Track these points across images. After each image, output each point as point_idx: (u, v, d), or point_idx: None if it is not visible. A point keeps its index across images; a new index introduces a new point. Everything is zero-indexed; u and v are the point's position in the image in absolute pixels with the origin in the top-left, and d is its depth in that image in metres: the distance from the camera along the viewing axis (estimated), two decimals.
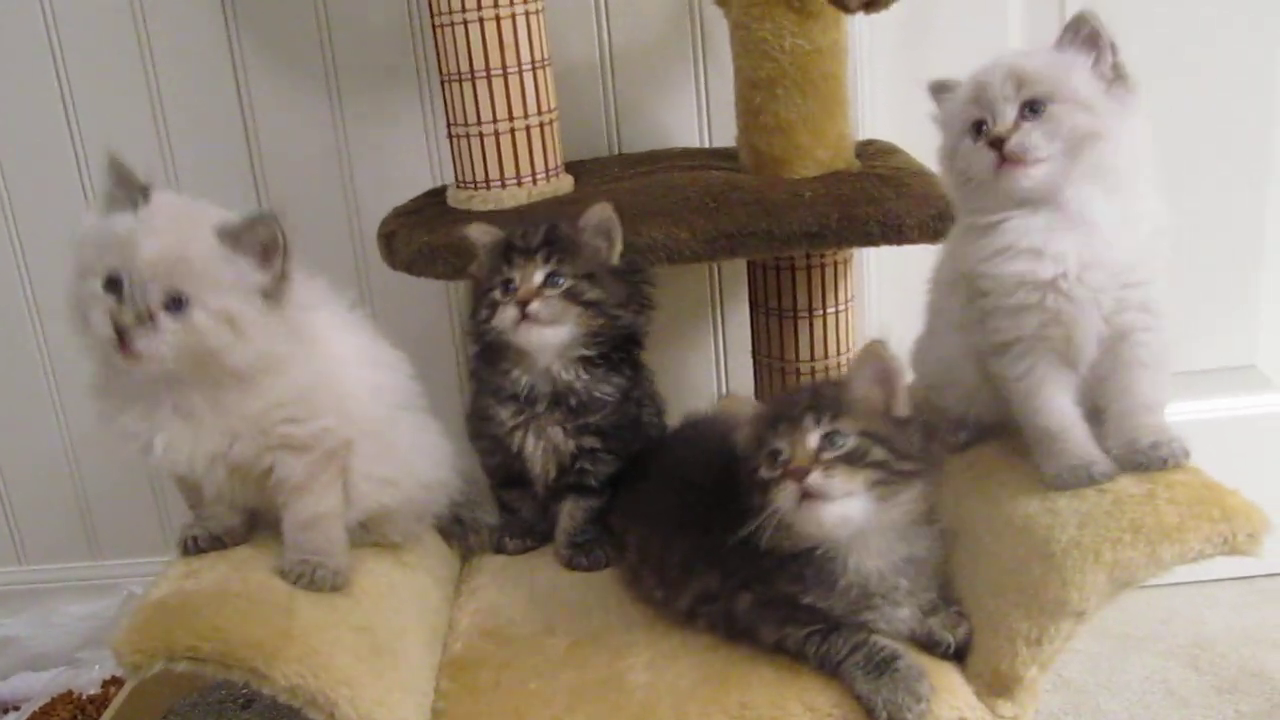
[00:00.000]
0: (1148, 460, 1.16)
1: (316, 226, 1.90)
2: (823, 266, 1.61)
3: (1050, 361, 1.20)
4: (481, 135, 1.56)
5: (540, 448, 1.44)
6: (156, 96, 1.86)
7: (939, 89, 1.26)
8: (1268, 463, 1.91)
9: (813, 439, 1.10)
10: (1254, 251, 1.89)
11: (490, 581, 1.44)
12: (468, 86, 1.54)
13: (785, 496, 1.08)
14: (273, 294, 1.16)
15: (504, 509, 1.54)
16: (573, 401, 1.41)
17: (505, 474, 1.50)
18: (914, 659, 1.12)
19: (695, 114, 1.84)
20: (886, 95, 1.82)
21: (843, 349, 1.66)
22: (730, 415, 1.18)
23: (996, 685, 1.13)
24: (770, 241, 1.42)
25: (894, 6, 1.43)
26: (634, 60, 1.82)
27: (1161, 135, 1.75)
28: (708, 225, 1.43)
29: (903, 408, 1.15)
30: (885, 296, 1.92)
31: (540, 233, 1.38)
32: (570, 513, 1.46)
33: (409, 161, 1.87)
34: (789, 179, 1.52)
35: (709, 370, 1.97)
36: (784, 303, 1.64)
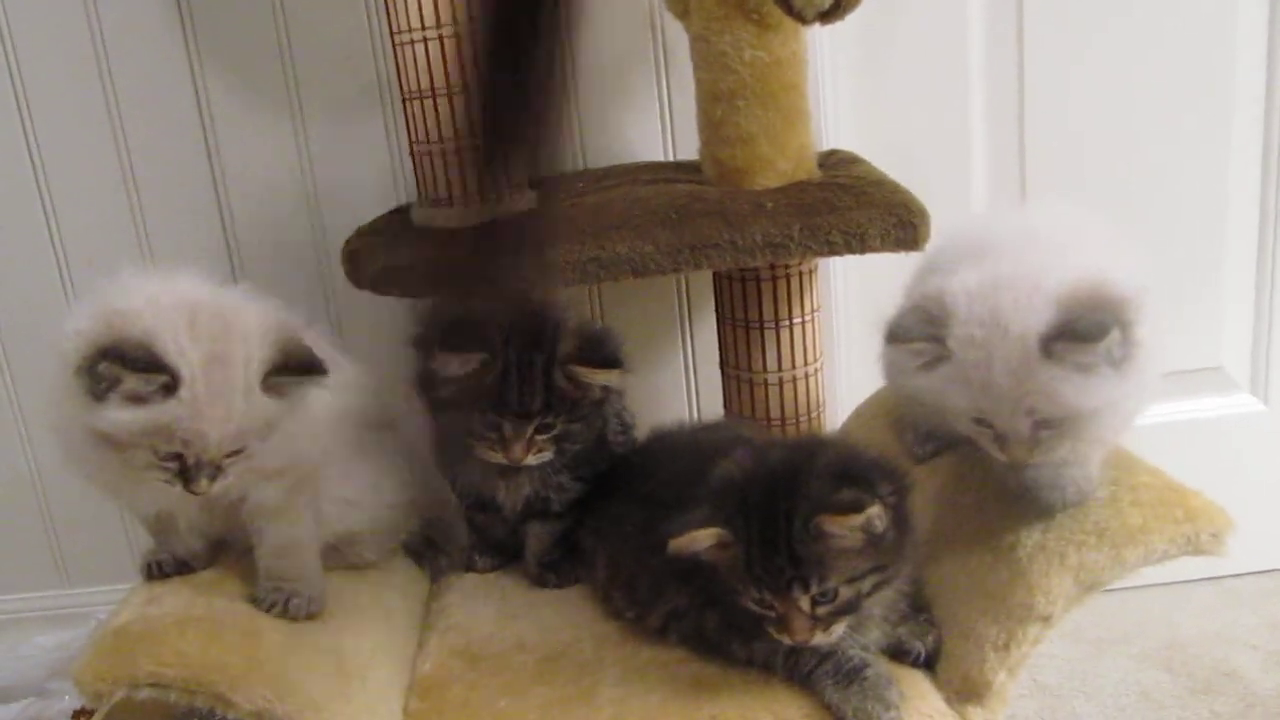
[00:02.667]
0: (1040, 502, 1.15)
1: (281, 246, 1.89)
2: (788, 277, 1.61)
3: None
4: (444, 152, 1.55)
5: (511, 494, 1.45)
6: (117, 119, 1.84)
7: (898, 351, 1.12)
8: (1234, 464, 1.93)
9: (805, 604, 1.08)
10: (1217, 253, 1.90)
11: (460, 600, 1.44)
12: (429, 104, 1.53)
13: (789, 643, 1.10)
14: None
15: (473, 528, 1.53)
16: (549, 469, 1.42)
17: (474, 497, 1.49)
18: (883, 667, 1.12)
19: (659, 127, 1.84)
20: (849, 105, 1.83)
21: (810, 359, 1.66)
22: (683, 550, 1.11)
23: (966, 691, 1.14)
24: (733, 252, 1.42)
25: (855, 17, 1.43)
26: (597, 74, 1.82)
27: (1123, 138, 1.80)
28: (671, 237, 1.43)
29: (880, 526, 1.08)
30: (852, 306, 1.92)
31: (537, 394, 1.34)
32: (538, 535, 1.46)
33: (373, 180, 1.86)
34: (751, 190, 1.52)
35: (678, 383, 1.96)
36: (750, 314, 1.64)
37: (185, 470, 1.09)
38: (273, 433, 1.13)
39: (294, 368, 1.13)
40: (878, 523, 1.07)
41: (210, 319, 1.09)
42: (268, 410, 1.12)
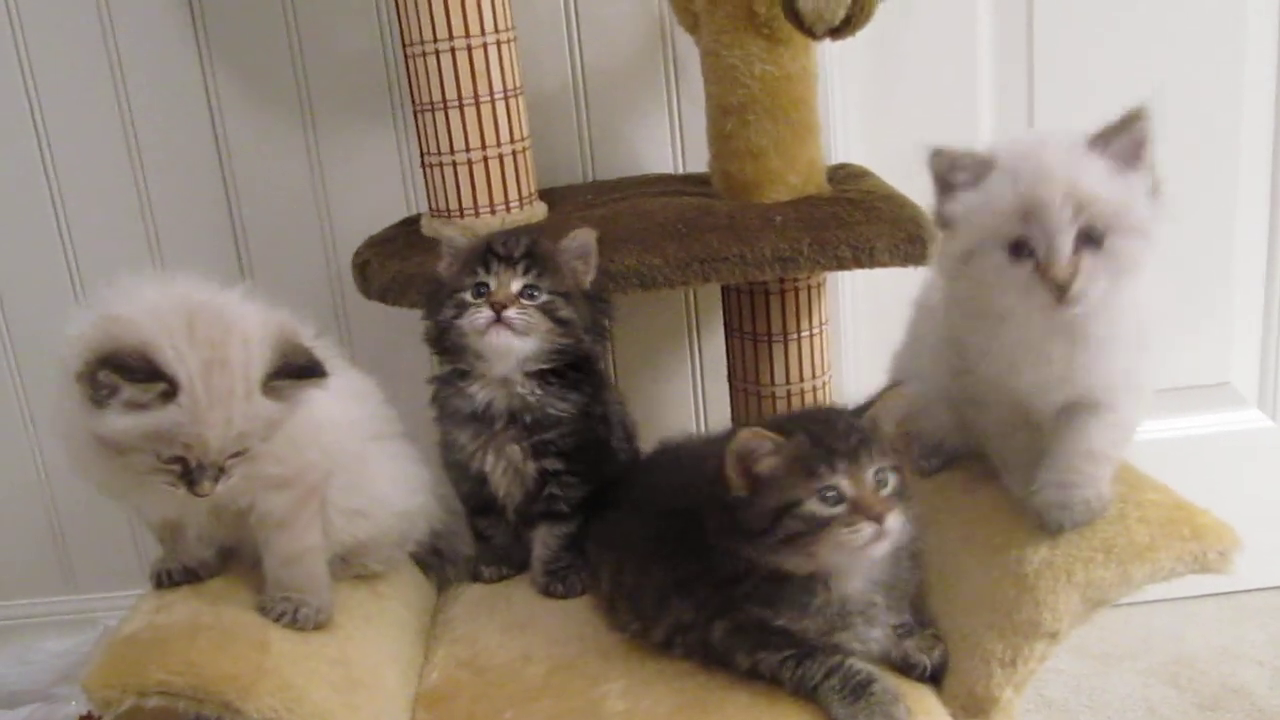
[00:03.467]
0: (1048, 520, 1.15)
1: (292, 256, 1.90)
2: (796, 291, 1.61)
3: (1019, 415, 1.20)
4: (455, 164, 1.56)
5: (500, 468, 1.44)
6: (131, 130, 1.86)
7: (943, 162, 1.10)
8: (1241, 480, 1.92)
9: (870, 478, 1.10)
10: (1226, 269, 1.90)
11: (466, 611, 1.44)
12: (440, 116, 1.54)
13: (862, 537, 1.08)
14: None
15: (478, 537, 1.53)
16: (528, 418, 1.41)
17: (476, 500, 1.50)
18: (890, 682, 1.12)
19: (668, 140, 1.85)
20: (859, 120, 1.84)
21: (818, 372, 1.66)
22: (746, 447, 1.13)
23: (972, 707, 1.14)
24: (742, 266, 1.43)
25: (864, 32, 1.43)
26: (607, 87, 1.83)
27: None
28: (680, 251, 1.44)
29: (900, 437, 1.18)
30: (860, 320, 1.92)
31: (522, 244, 1.38)
32: (544, 540, 1.46)
33: (383, 190, 1.87)
34: (760, 204, 1.53)
35: (686, 396, 1.97)
36: (759, 327, 1.64)
37: (188, 473, 1.09)
38: (275, 434, 1.13)
39: (294, 370, 1.12)
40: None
41: (209, 323, 1.08)
42: (269, 412, 1.10)
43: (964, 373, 1.21)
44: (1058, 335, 1.10)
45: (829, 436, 1.11)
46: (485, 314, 1.35)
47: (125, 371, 1.04)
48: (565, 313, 1.38)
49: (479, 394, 1.41)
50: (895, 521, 1.09)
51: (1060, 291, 1.02)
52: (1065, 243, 1.02)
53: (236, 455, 1.11)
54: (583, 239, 1.40)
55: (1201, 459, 1.90)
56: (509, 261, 1.37)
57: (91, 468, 1.13)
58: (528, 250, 1.37)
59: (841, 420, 1.14)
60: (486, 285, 1.37)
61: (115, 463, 1.09)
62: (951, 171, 1.09)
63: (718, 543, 1.15)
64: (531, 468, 1.43)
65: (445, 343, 1.41)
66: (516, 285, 1.36)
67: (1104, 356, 1.11)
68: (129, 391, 1.04)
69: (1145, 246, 1.04)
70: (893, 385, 1.16)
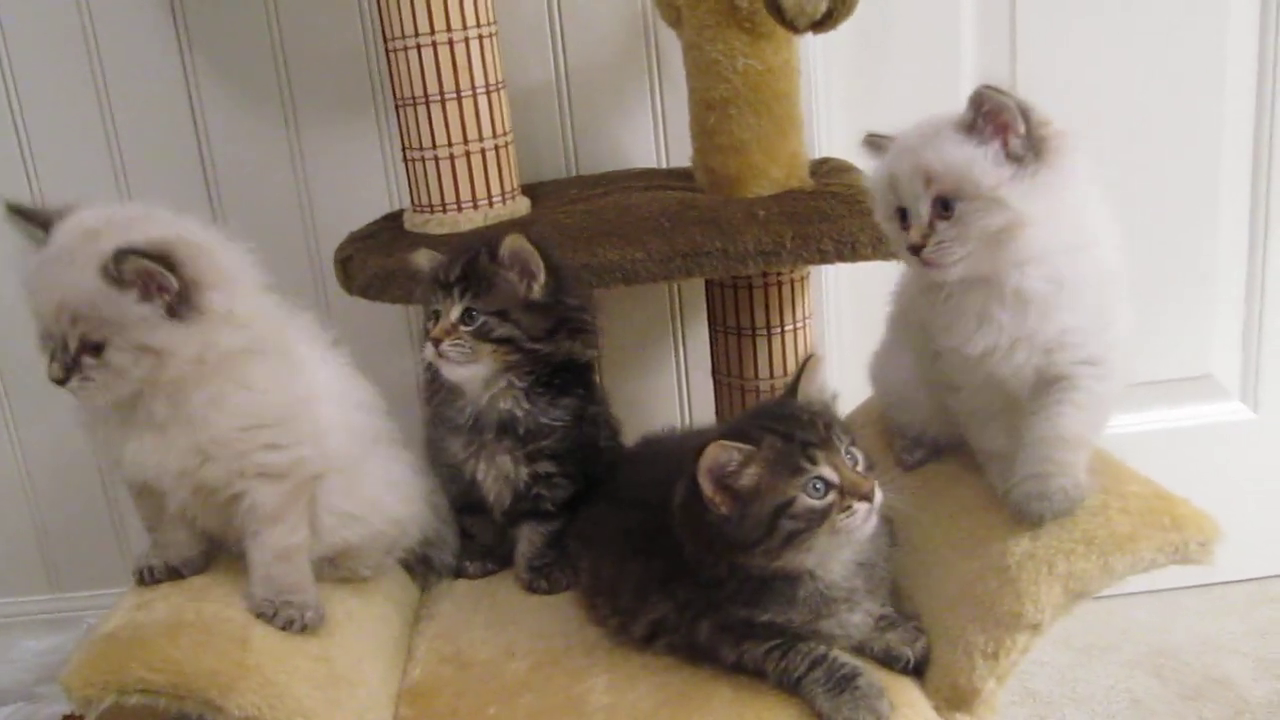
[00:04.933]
0: (1027, 512, 1.16)
1: (275, 252, 1.86)
2: (780, 284, 1.61)
3: (998, 397, 1.21)
4: (437, 159, 1.56)
5: (492, 475, 1.43)
6: (111, 126, 1.85)
7: (873, 145, 1.23)
8: (1223, 472, 1.93)
9: (846, 459, 1.12)
10: (1208, 261, 1.91)
11: (450, 606, 1.44)
12: (422, 110, 1.54)
13: (860, 517, 1.10)
14: (182, 307, 1.12)
15: (464, 534, 1.53)
16: (520, 430, 1.40)
17: (464, 500, 1.49)
18: (874, 676, 1.12)
19: (652, 135, 1.84)
20: (841, 114, 1.84)
21: None
22: (716, 463, 1.12)
23: (955, 699, 1.14)
24: (725, 260, 1.43)
25: (847, 26, 1.43)
26: (590, 82, 1.82)
27: (1113, 146, 1.80)
28: (663, 245, 1.44)
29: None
30: (843, 313, 1.93)
31: (458, 266, 1.36)
32: (529, 538, 1.46)
33: (366, 186, 1.87)
34: (744, 198, 1.53)
35: (670, 390, 1.97)
36: (742, 321, 1.64)
37: (52, 358, 1.11)
38: (129, 336, 1.10)
39: (140, 251, 1.08)
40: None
41: (108, 217, 1.14)
42: (93, 295, 1.09)
43: (935, 355, 1.22)
44: (994, 299, 1.14)
45: (799, 430, 1.11)
46: (429, 348, 1.35)
47: (18, 211, 1.15)
48: (502, 331, 1.35)
49: (467, 408, 1.41)
50: (879, 494, 1.11)
51: (914, 252, 1.13)
52: (921, 209, 1.13)
53: (91, 349, 1.10)
54: (511, 248, 1.35)
55: (1183, 451, 1.90)
56: (446, 288, 1.36)
57: None
58: (463, 273, 1.35)
59: (801, 411, 1.14)
60: (438, 311, 1.37)
61: None
62: (873, 150, 1.22)
63: (699, 557, 1.15)
64: (524, 473, 1.43)
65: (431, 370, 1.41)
66: (456, 312, 1.35)
67: (1050, 318, 1.13)
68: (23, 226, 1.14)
69: (996, 212, 1.09)
70: (808, 358, 1.19)
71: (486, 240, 1.38)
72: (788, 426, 1.12)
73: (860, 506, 1.09)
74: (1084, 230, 1.14)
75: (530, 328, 1.36)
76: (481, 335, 1.34)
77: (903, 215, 1.15)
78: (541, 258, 1.36)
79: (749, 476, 1.11)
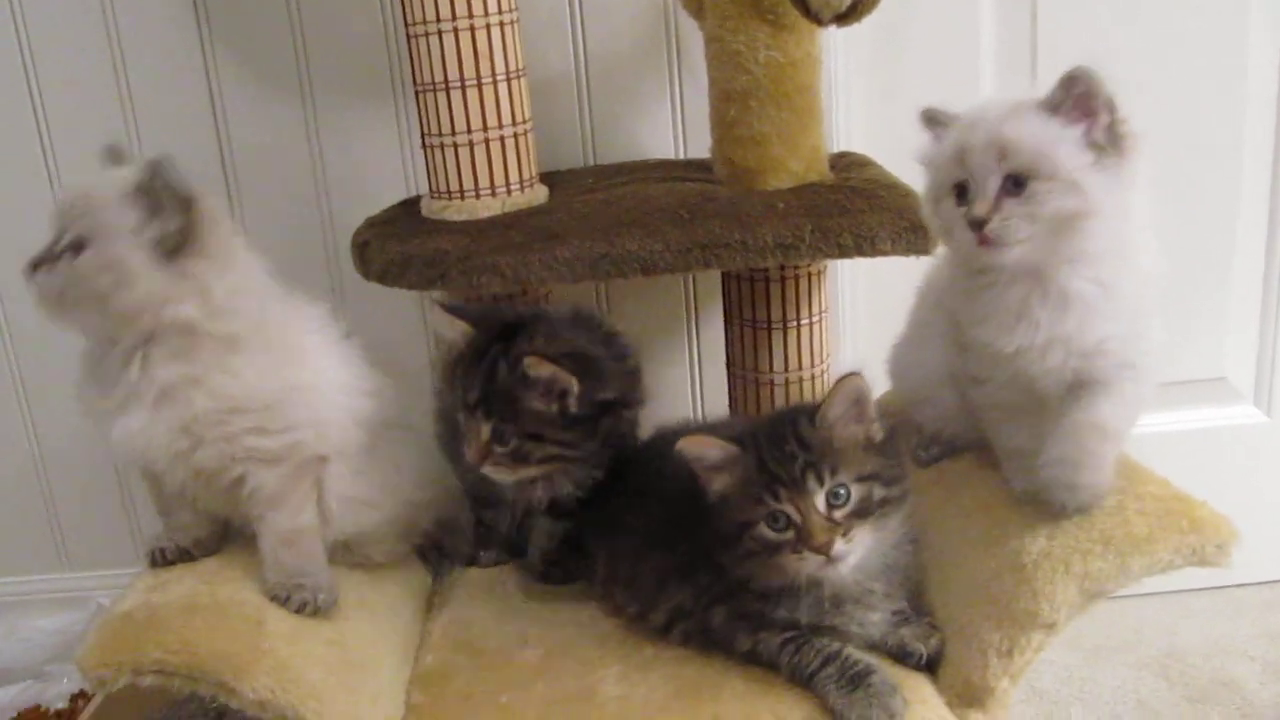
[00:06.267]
0: (1051, 499, 1.15)
1: (291, 237, 1.89)
2: (797, 278, 1.61)
3: (1025, 394, 1.20)
4: (456, 145, 1.55)
5: (525, 497, 1.41)
6: (130, 109, 1.84)
7: (931, 119, 1.19)
8: (1236, 475, 1.93)
9: (820, 501, 1.09)
10: (1224, 264, 1.90)
11: (463, 594, 1.44)
12: (442, 97, 1.53)
13: (810, 566, 1.09)
14: (168, 250, 1.14)
15: (479, 523, 1.53)
16: (564, 495, 1.38)
17: (484, 496, 1.48)
18: (887, 673, 1.12)
19: (670, 125, 1.84)
20: (861, 108, 1.83)
21: (817, 360, 1.66)
22: (691, 454, 1.14)
23: (968, 696, 1.14)
24: (743, 253, 1.42)
25: (868, 20, 1.43)
26: (609, 72, 1.82)
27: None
28: (681, 236, 1.43)
29: (877, 433, 1.14)
30: (859, 308, 1.92)
31: (477, 384, 1.27)
32: (546, 531, 1.46)
33: (384, 172, 1.86)
34: (763, 190, 1.52)
35: (684, 382, 1.96)
36: (758, 314, 1.64)
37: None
38: (101, 254, 1.13)
39: (174, 176, 1.15)
40: (869, 395, 1.11)
41: None
42: (111, 210, 1.14)
43: (965, 347, 1.21)
44: (1035, 296, 1.12)
45: (773, 459, 1.10)
46: (471, 455, 1.29)
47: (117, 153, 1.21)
48: (541, 453, 1.28)
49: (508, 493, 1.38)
50: (848, 546, 1.08)
51: (977, 227, 1.08)
52: (989, 185, 1.08)
53: (73, 249, 1.13)
54: (538, 375, 1.25)
55: (1196, 454, 1.90)
56: (470, 409, 1.28)
57: None
58: (483, 394, 1.27)
59: (791, 438, 1.11)
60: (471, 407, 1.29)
61: None
62: (932, 125, 1.18)
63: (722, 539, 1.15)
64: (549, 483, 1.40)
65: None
66: (486, 430, 1.28)
67: (1091, 322, 1.11)
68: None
69: (1072, 196, 1.07)
70: (844, 376, 1.11)
71: (505, 332, 1.28)
72: (770, 453, 1.11)
73: (810, 557, 1.08)
74: (1132, 236, 1.13)
75: (571, 442, 1.30)
76: (520, 459, 1.28)
77: (960, 193, 1.12)
78: (572, 366, 1.26)
79: (721, 482, 1.12)
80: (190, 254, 1.15)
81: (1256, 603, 1.97)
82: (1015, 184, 1.07)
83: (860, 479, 1.10)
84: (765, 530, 1.09)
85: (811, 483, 1.09)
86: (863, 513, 1.09)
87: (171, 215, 1.14)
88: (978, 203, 1.08)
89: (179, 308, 1.14)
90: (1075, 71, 1.07)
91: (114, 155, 1.22)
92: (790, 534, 1.09)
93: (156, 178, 1.13)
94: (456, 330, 1.33)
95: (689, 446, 1.12)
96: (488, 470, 1.28)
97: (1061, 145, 1.07)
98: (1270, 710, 1.70)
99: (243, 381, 1.18)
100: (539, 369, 1.25)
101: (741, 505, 1.11)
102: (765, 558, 1.10)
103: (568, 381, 1.26)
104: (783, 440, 1.11)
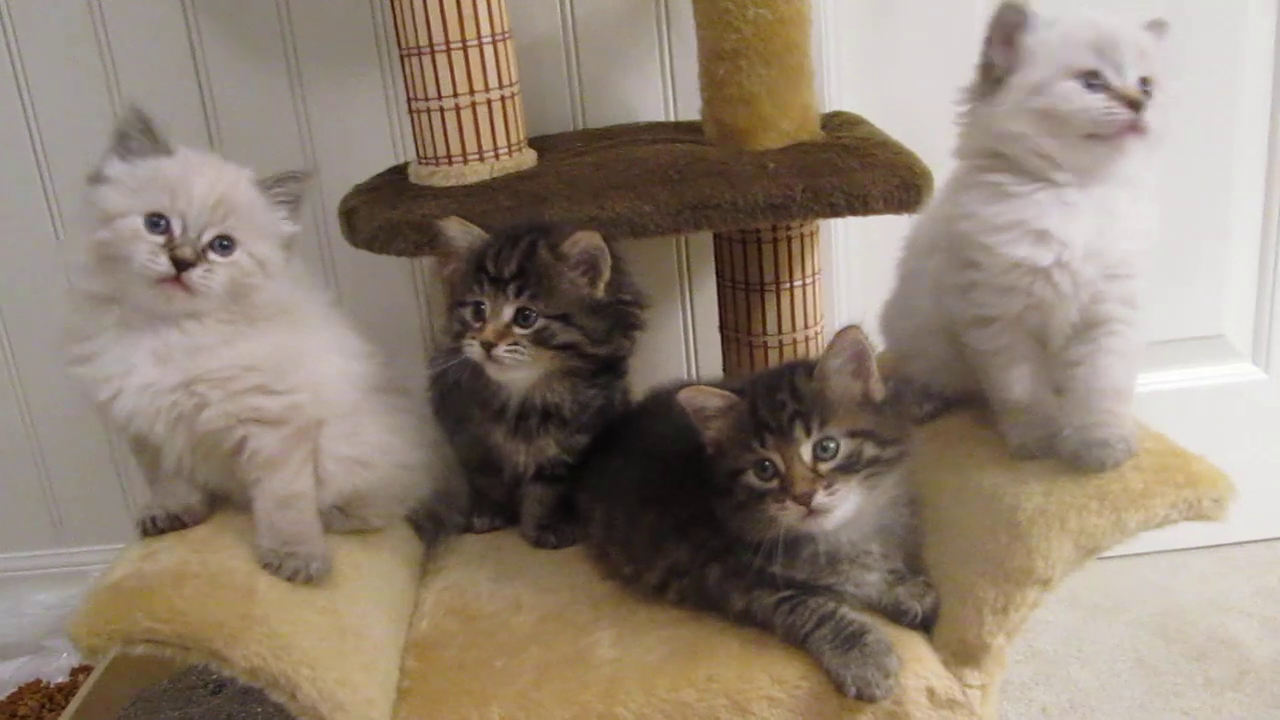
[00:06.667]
0: (1088, 459, 1.14)
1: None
2: (789, 239, 1.59)
3: (1025, 339, 1.20)
4: (442, 110, 1.53)
5: (529, 454, 1.41)
6: (112, 75, 1.82)
7: (1014, 10, 1.17)
8: (1234, 432, 1.92)
9: (806, 452, 1.08)
10: (1221, 222, 1.89)
11: (456, 560, 1.44)
12: (427, 60, 1.51)
13: (790, 516, 1.08)
14: (290, 245, 1.26)
15: (473, 490, 1.52)
16: (566, 414, 1.38)
17: (481, 463, 1.47)
18: (882, 633, 1.12)
19: (660, 87, 1.82)
20: (852, 67, 1.81)
21: (810, 322, 1.65)
22: (692, 404, 1.14)
23: (964, 654, 1.14)
24: (734, 213, 1.41)
25: None
26: (597, 33, 1.80)
27: None
28: (671, 197, 1.42)
29: (878, 391, 1.13)
30: (853, 270, 1.91)
31: (514, 258, 1.26)
32: (539, 497, 1.46)
33: (370, 138, 1.85)
34: (754, 150, 1.51)
35: (677, 345, 1.96)
36: (751, 276, 1.63)
37: (171, 240, 1.15)
38: (256, 238, 1.20)
39: (275, 176, 1.26)
40: (868, 349, 1.11)
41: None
42: (250, 199, 1.22)
43: (973, 285, 1.20)
44: (1090, 202, 1.15)
45: (764, 407, 1.10)
46: (476, 349, 1.26)
47: (134, 123, 1.21)
48: (564, 337, 1.27)
49: (510, 399, 1.37)
50: (830, 500, 1.07)
51: (1135, 109, 1.11)
52: (1130, 75, 1.13)
53: (219, 243, 1.18)
54: (585, 245, 1.26)
55: (1194, 411, 1.89)
56: (499, 283, 1.26)
57: (87, 278, 1.19)
58: (520, 269, 1.25)
59: (785, 388, 1.11)
60: (482, 305, 1.28)
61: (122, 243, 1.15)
62: (1018, 15, 1.17)
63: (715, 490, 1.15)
64: (553, 452, 1.41)
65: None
66: (509, 311, 1.26)
67: (1128, 234, 1.16)
68: (131, 144, 1.19)
69: (1174, 107, 1.14)
70: (844, 329, 1.11)
71: (539, 227, 1.29)
72: (762, 400, 1.11)
73: (791, 505, 1.07)
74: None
75: (592, 331, 1.29)
76: (541, 341, 1.26)
77: (1091, 78, 1.12)
78: (612, 248, 1.29)
79: (715, 428, 1.13)
80: (294, 246, 1.27)
81: (1254, 560, 1.97)
82: (1143, 85, 1.13)
83: (852, 434, 1.09)
84: (753, 477, 1.09)
85: (798, 432, 1.08)
86: (849, 468, 1.09)
87: (294, 215, 1.27)
88: (1128, 86, 1.12)
89: (287, 297, 1.25)
90: (1160, 20, 1.19)
91: (144, 127, 1.22)
92: (775, 483, 1.09)
93: (291, 183, 1.26)
94: (473, 235, 1.32)
95: (690, 395, 1.12)
96: (502, 353, 1.25)
97: (1171, 58, 1.17)
98: (1268, 666, 1.70)
99: (268, 339, 1.22)
100: (591, 241, 1.27)
101: (732, 452, 1.11)
102: (753, 508, 1.10)
103: (606, 263, 1.28)
104: (776, 389, 1.11)
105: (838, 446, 1.08)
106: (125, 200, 1.16)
